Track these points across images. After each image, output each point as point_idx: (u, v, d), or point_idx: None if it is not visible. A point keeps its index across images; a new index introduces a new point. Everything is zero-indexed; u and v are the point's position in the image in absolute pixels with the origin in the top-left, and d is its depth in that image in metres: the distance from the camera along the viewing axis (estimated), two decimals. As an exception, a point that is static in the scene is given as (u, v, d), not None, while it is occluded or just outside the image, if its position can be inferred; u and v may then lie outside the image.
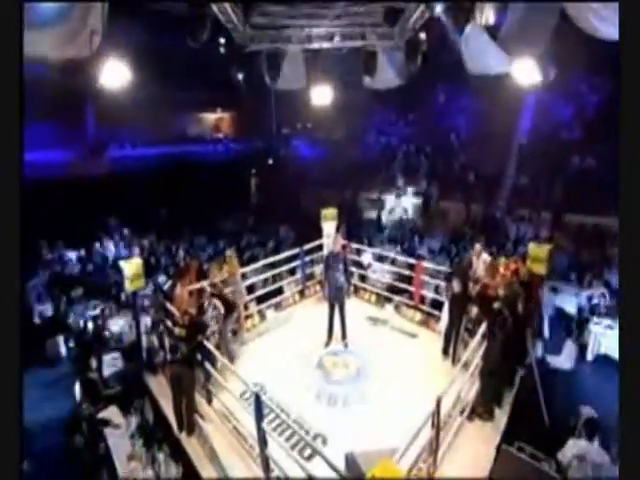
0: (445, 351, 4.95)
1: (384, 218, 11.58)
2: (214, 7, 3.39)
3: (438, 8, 3.61)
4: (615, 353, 5.36)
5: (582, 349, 5.69)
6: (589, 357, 5.67)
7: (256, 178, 15.72)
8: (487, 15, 4.28)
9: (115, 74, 3.88)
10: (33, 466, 3.60)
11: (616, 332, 5.40)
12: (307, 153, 15.39)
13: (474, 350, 4.05)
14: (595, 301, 6.30)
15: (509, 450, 3.49)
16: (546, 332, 6.10)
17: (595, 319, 5.89)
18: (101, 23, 3.43)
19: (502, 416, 4.03)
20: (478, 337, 4.05)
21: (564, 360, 5.49)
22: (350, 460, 2.28)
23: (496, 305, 3.73)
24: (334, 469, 2.44)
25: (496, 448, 3.58)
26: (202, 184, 11.86)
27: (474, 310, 4.37)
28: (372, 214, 11.95)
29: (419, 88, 8.91)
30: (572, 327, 6.20)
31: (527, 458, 3.40)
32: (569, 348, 5.61)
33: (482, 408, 3.94)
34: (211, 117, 16.09)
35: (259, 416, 3.17)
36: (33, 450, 3.76)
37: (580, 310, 6.41)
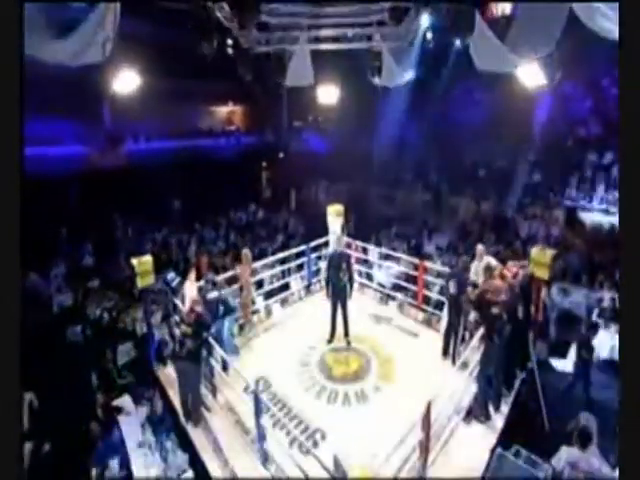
0: (445, 352, 4.99)
1: (393, 214, 11.52)
2: (218, 14, 3.43)
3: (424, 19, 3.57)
4: (622, 358, 5.27)
5: (589, 353, 5.61)
6: (595, 361, 5.58)
7: (267, 172, 15.81)
8: (503, 7, 4.17)
9: (127, 81, 4.02)
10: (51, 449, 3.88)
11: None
12: (318, 147, 15.34)
13: (473, 351, 4.08)
14: (605, 304, 6.18)
15: (503, 453, 3.55)
16: (552, 335, 6.04)
17: (603, 323, 5.79)
18: (113, 30, 3.57)
19: (499, 419, 4.07)
20: (477, 338, 4.07)
21: (569, 364, 5.44)
22: (337, 462, 2.41)
23: (495, 310, 3.73)
24: (324, 468, 2.57)
25: (490, 451, 3.65)
26: (214, 177, 12.02)
27: (472, 314, 4.37)
28: (381, 210, 11.89)
29: (430, 83, 8.74)
30: (580, 330, 6.11)
31: (520, 462, 3.45)
32: (575, 352, 5.54)
33: (478, 410, 3.98)
34: (223, 110, 16.14)
35: (258, 413, 3.32)
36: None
37: (589, 313, 6.30)
